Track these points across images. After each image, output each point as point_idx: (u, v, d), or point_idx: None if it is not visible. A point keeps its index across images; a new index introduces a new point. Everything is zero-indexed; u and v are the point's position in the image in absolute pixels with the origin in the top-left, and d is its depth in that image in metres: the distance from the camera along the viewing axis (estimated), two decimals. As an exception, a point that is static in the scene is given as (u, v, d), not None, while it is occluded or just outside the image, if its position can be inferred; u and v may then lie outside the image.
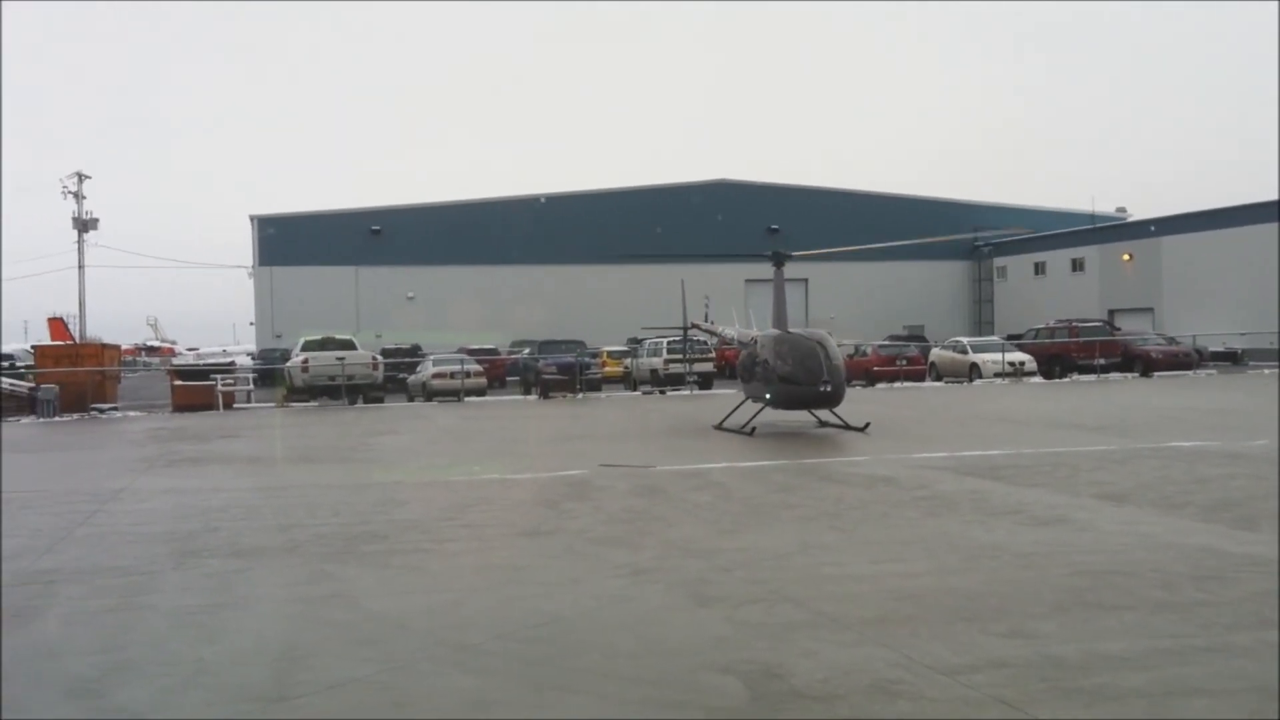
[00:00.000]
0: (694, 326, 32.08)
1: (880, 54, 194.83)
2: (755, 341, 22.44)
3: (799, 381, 20.18)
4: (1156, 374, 40.48)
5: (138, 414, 32.90)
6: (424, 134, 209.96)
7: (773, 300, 23.12)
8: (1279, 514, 10.00)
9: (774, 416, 22.02)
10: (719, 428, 21.67)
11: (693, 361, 38.88)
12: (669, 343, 40.14)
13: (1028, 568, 8.15)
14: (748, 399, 22.11)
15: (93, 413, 32.38)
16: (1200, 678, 5.49)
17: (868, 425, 20.34)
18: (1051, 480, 12.93)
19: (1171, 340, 45.51)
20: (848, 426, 20.50)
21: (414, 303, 65.49)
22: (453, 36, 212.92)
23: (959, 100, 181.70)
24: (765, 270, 23.09)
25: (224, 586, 8.25)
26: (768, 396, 20.99)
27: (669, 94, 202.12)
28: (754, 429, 20.67)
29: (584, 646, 6.34)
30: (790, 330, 21.93)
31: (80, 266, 70.55)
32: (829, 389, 19.95)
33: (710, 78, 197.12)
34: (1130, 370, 41.60)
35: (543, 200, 69.01)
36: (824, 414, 21.26)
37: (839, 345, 23.00)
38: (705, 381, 39.40)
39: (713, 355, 40.78)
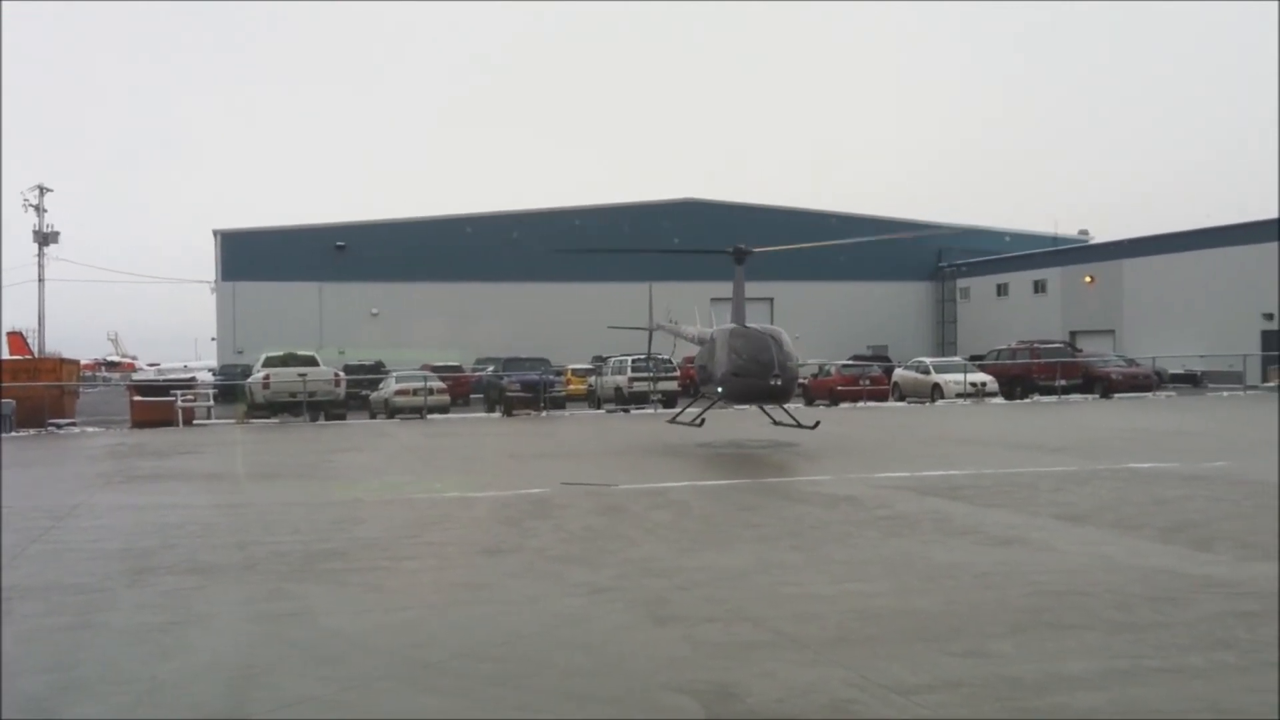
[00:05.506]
0: (659, 327, 32.42)
1: (849, 71, 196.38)
2: (712, 338, 22.54)
3: (750, 374, 20.18)
4: (1116, 395, 40.96)
5: (96, 430, 32.59)
6: (389, 149, 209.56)
7: (732, 295, 23.06)
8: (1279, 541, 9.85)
9: (735, 433, 22.11)
10: (672, 422, 22.35)
11: (657, 380, 39.05)
12: (633, 361, 40.25)
13: (987, 588, 8.19)
14: (703, 395, 22.44)
15: (50, 428, 31.99)
16: (1156, 699, 5.53)
17: (818, 424, 20.55)
18: (1011, 500, 13.01)
19: (1132, 362, 46.01)
20: (799, 424, 20.71)
21: (378, 319, 65.23)
22: (418, 51, 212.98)
23: (923, 120, 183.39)
24: (729, 290, 23.20)
25: (180, 604, 8.14)
26: (719, 390, 21.06)
27: (638, 110, 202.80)
28: (703, 421, 21.03)
29: (542, 665, 6.31)
30: (746, 325, 21.93)
31: (40, 280, 69.79)
32: (779, 383, 19.89)
33: (680, 93, 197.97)
34: (1091, 392, 42.06)
35: (509, 217, 68.95)
36: (778, 414, 21.50)
37: (801, 363, 23.40)
38: (669, 400, 39.45)
39: (677, 374, 40.92)
